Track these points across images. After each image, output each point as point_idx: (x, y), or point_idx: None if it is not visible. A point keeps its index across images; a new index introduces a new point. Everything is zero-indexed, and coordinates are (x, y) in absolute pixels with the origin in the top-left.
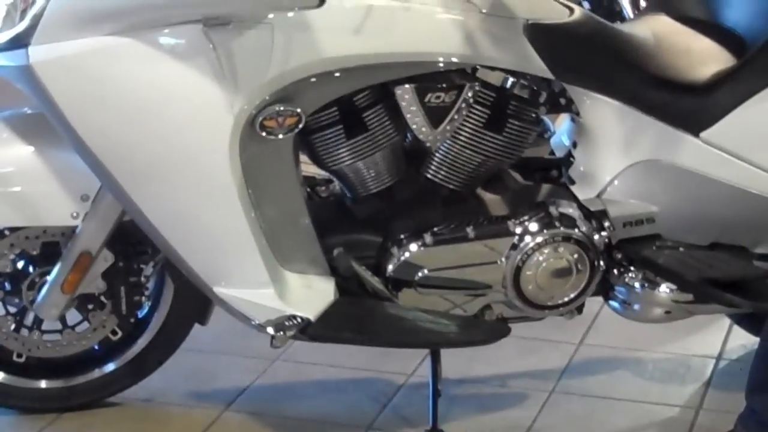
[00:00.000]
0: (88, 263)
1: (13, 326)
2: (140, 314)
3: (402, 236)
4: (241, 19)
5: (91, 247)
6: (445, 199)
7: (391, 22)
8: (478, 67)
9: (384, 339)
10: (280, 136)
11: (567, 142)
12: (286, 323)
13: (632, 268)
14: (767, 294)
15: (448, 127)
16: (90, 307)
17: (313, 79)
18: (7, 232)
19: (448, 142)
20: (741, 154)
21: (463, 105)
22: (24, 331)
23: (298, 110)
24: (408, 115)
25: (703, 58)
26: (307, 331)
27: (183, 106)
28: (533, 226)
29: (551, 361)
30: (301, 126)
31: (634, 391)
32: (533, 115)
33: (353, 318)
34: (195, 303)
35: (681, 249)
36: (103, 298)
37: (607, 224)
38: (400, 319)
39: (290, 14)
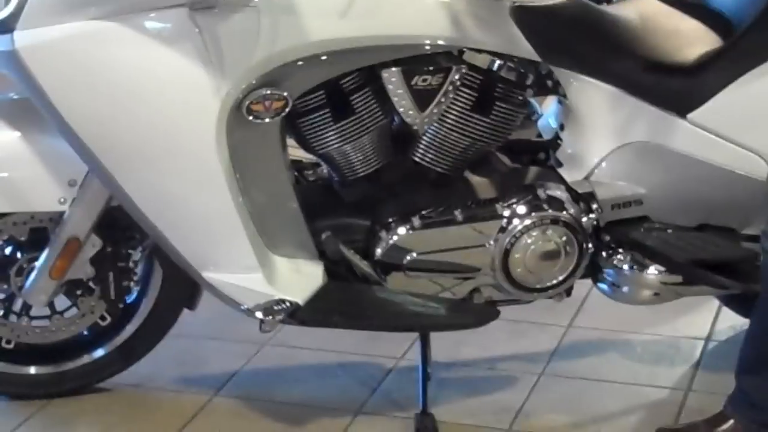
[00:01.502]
0: (76, 249)
1: (1, 312)
2: (129, 300)
3: (390, 220)
4: (227, 2)
5: (78, 232)
6: (432, 182)
7: (378, 4)
8: (464, 49)
9: (373, 323)
10: (267, 120)
11: (554, 125)
12: (275, 307)
13: (621, 251)
14: (756, 275)
15: (435, 110)
16: (78, 292)
17: (300, 63)
18: None
19: (436, 124)
20: (728, 135)
21: (450, 88)
22: (12, 317)
23: (285, 94)
24: (395, 98)
25: (690, 39)
26: (296, 315)
27: (169, 91)
28: (521, 209)
29: (540, 343)
30: (288, 110)
31: (624, 373)
32: (520, 98)
33: (342, 302)
34: (184, 288)
35: (669, 231)
36: (91, 284)
37: (595, 206)
38: (389, 302)
39: None
